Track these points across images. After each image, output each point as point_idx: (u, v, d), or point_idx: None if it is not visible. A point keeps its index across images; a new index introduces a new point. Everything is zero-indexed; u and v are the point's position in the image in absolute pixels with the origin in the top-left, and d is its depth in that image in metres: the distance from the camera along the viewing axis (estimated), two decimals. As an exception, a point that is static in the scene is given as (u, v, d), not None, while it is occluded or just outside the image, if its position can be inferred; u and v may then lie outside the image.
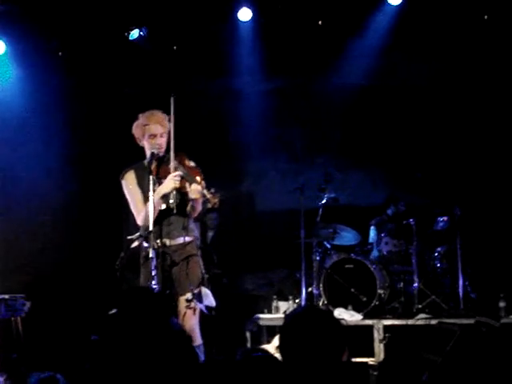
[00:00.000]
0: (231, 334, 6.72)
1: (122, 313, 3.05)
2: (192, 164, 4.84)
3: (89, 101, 7.54)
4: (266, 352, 2.66)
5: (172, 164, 4.67)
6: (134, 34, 6.97)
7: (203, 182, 4.55)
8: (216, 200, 4.53)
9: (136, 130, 4.89)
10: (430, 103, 7.77)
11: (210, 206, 4.61)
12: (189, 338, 2.13)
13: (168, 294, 4.41)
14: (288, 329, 2.62)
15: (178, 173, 4.62)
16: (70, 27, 6.88)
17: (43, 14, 6.70)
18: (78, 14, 6.74)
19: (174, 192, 4.64)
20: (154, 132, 4.79)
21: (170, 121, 4.84)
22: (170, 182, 4.60)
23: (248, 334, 6.58)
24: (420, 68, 7.71)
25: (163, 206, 4.70)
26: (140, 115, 4.90)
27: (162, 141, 4.80)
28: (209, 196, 4.51)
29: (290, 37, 7.26)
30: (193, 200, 4.71)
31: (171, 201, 4.64)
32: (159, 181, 4.72)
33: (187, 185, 4.62)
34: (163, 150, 4.80)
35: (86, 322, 6.34)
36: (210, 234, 7.51)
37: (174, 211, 4.65)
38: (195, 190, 4.54)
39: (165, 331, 2.17)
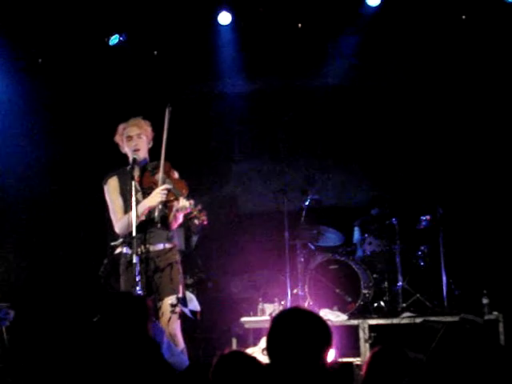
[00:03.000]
0: (217, 338, 6.72)
1: (105, 318, 3.06)
2: (176, 175, 4.85)
3: (69, 107, 7.50)
4: (244, 353, 2.68)
5: (160, 175, 4.67)
6: (114, 39, 6.96)
7: (191, 200, 4.56)
8: (204, 217, 4.54)
9: (117, 137, 4.90)
10: (411, 103, 7.82)
11: (197, 222, 4.60)
12: (157, 347, 2.13)
13: (152, 299, 4.39)
14: (275, 330, 2.64)
15: (165, 186, 4.61)
16: (49, 34, 6.85)
17: (22, 20, 6.67)
18: (57, 20, 6.72)
19: (160, 206, 4.65)
20: (130, 133, 4.80)
21: (150, 126, 4.87)
22: (157, 197, 4.59)
23: (234, 337, 6.58)
24: (400, 68, 7.75)
25: (143, 218, 4.68)
26: (120, 124, 4.91)
27: (139, 141, 4.79)
28: (196, 213, 4.52)
29: (271, 39, 7.28)
30: (175, 214, 4.72)
31: (156, 213, 4.64)
32: (143, 190, 4.72)
33: (172, 198, 4.62)
34: (141, 151, 4.79)
35: (70, 329, 6.32)
36: (194, 238, 7.50)
37: (158, 225, 4.65)
38: (183, 207, 4.54)
39: (139, 337, 2.17)
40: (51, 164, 7.31)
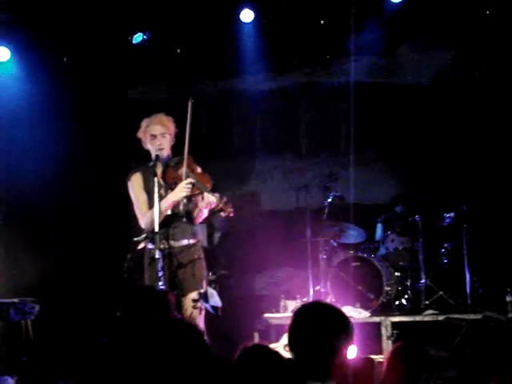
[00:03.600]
0: (240, 334, 6.74)
1: (128, 312, 3.09)
2: (199, 170, 4.88)
3: (94, 104, 7.58)
4: (266, 347, 2.69)
5: (184, 170, 4.70)
6: (138, 37, 7.01)
7: (217, 193, 4.59)
8: (230, 209, 4.56)
9: (140, 133, 4.93)
10: (435, 100, 7.78)
11: (223, 215, 4.63)
12: (200, 333, 2.13)
13: (174, 294, 4.43)
14: (296, 324, 2.65)
15: (189, 180, 4.64)
16: (73, 32, 6.93)
17: (47, 20, 6.75)
18: (81, 19, 6.79)
19: (184, 200, 4.68)
20: (154, 132, 4.82)
21: (175, 122, 4.90)
22: (182, 191, 4.62)
23: (256, 334, 6.60)
24: (424, 65, 7.71)
25: (169, 212, 4.73)
26: (144, 119, 4.94)
27: (163, 141, 4.82)
28: (222, 206, 4.55)
29: (293, 36, 7.29)
30: (200, 208, 4.74)
31: (181, 207, 4.68)
32: (167, 186, 4.76)
33: (197, 192, 4.65)
34: (165, 150, 4.83)
35: (94, 324, 6.38)
36: (217, 235, 7.54)
37: (184, 219, 4.69)
38: (209, 201, 4.57)
39: (175, 327, 2.17)
40: (74, 161, 7.39)
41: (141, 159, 5.05)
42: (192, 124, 4.80)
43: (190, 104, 4.78)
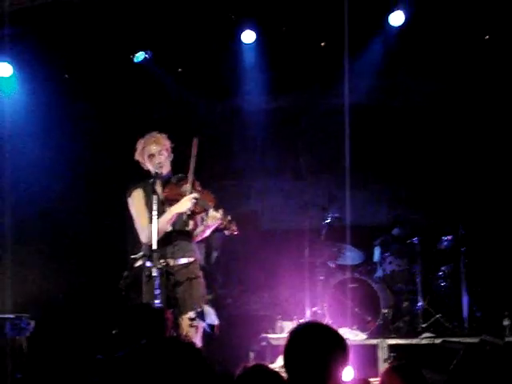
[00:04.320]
0: (236, 354, 6.71)
1: (124, 329, 3.09)
2: (200, 189, 4.90)
3: (94, 122, 7.61)
4: (266, 367, 2.68)
5: (188, 186, 4.73)
6: (139, 56, 7.06)
7: (221, 210, 4.61)
8: (234, 227, 4.59)
9: (137, 155, 4.98)
10: (432, 122, 7.81)
11: (227, 233, 4.65)
12: (198, 351, 2.12)
13: (171, 312, 4.42)
14: (292, 344, 2.64)
15: (194, 195, 4.67)
16: (75, 50, 6.97)
17: (49, 37, 6.80)
18: (83, 37, 6.84)
19: (184, 217, 4.70)
20: (151, 152, 4.87)
21: (167, 138, 4.96)
22: (187, 203, 4.65)
23: (252, 354, 6.57)
24: (421, 88, 7.76)
25: (169, 228, 4.75)
26: (138, 141, 4.97)
27: (161, 159, 4.86)
28: (226, 223, 4.57)
29: (294, 58, 7.34)
30: (205, 225, 4.77)
31: (178, 226, 4.69)
32: (168, 202, 4.77)
33: (199, 210, 4.68)
34: (164, 167, 4.86)
35: (90, 341, 6.36)
36: (215, 254, 7.53)
37: (181, 235, 4.70)
38: (214, 217, 4.59)
39: (172, 345, 2.16)
40: (75, 176, 7.41)
41: (138, 176, 5.08)
42: (190, 142, 4.85)
43: (195, 141, 4.83)
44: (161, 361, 2.08)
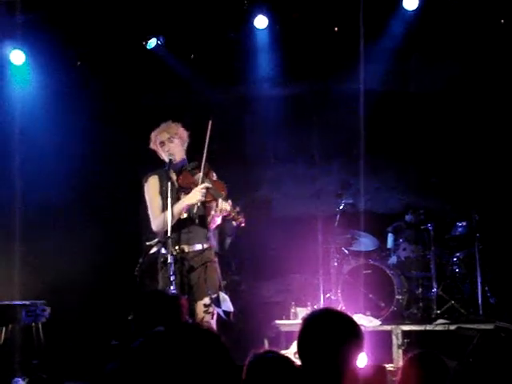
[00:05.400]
0: (250, 340, 6.73)
1: (139, 316, 3.09)
2: (215, 177, 4.91)
3: (106, 108, 7.62)
4: (278, 353, 2.67)
5: (200, 175, 4.73)
6: (152, 42, 7.04)
7: (230, 201, 4.61)
8: (241, 219, 4.59)
9: (152, 144, 5.02)
10: (447, 108, 7.75)
11: (235, 224, 4.65)
12: (218, 337, 2.11)
13: (186, 298, 4.43)
14: (306, 331, 2.63)
15: (205, 185, 4.68)
16: (87, 37, 6.97)
17: (61, 24, 6.80)
18: (95, 24, 6.83)
19: (199, 204, 4.71)
20: (162, 139, 4.91)
21: (182, 126, 4.98)
22: (197, 194, 4.66)
23: (266, 341, 6.58)
24: (436, 73, 7.69)
25: (184, 215, 4.76)
26: (153, 131, 5.01)
27: (171, 146, 4.89)
28: (234, 214, 4.57)
29: (307, 43, 7.29)
30: (213, 215, 4.77)
31: (194, 211, 4.71)
32: (182, 190, 4.79)
33: (211, 198, 4.68)
34: (176, 154, 4.88)
35: (105, 327, 6.40)
36: (228, 240, 7.53)
37: (196, 221, 4.72)
38: (222, 208, 4.59)
39: (191, 331, 2.14)
40: (88, 163, 7.43)
41: (149, 164, 5.10)
42: (203, 130, 4.84)
43: (210, 123, 4.82)
44: (183, 347, 2.07)
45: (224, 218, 4.80)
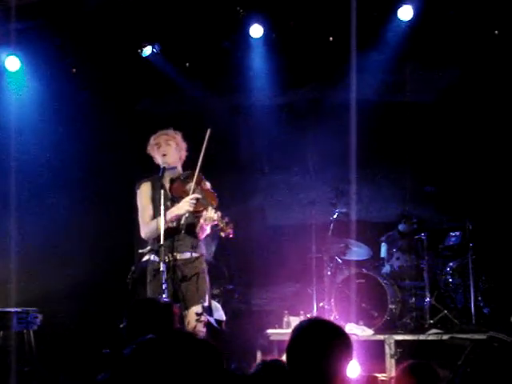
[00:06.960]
0: (242, 349, 6.71)
1: (131, 324, 3.08)
2: (208, 186, 4.90)
3: (101, 116, 7.62)
4: (281, 362, 2.67)
5: (192, 185, 4.73)
6: (147, 50, 7.06)
7: (219, 212, 4.60)
8: (230, 230, 4.58)
9: (149, 147, 5.02)
10: (441, 118, 7.77)
11: (223, 235, 4.64)
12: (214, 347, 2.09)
13: (178, 306, 4.43)
14: (295, 341, 2.63)
15: (194, 195, 4.68)
16: (83, 44, 6.98)
17: (57, 31, 6.81)
18: (91, 32, 6.84)
19: (187, 214, 4.70)
20: (159, 141, 4.92)
21: (181, 136, 4.98)
22: (185, 205, 4.66)
23: (259, 349, 6.56)
24: (431, 83, 7.72)
25: (174, 224, 4.76)
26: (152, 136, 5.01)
27: (167, 148, 4.89)
28: (222, 225, 4.56)
29: (302, 53, 7.32)
30: (201, 224, 4.77)
31: (182, 221, 4.71)
32: (173, 198, 4.78)
33: (201, 208, 4.67)
34: (169, 157, 4.88)
35: (97, 335, 6.37)
36: (213, 244, 7.46)
37: (183, 232, 4.72)
38: (210, 218, 4.59)
39: (186, 340, 2.14)
40: (81, 170, 7.43)
41: (147, 171, 5.09)
42: (197, 138, 4.85)
43: (208, 132, 4.83)
44: (177, 356, 2.06)
45: (213, 228, 4.80)
